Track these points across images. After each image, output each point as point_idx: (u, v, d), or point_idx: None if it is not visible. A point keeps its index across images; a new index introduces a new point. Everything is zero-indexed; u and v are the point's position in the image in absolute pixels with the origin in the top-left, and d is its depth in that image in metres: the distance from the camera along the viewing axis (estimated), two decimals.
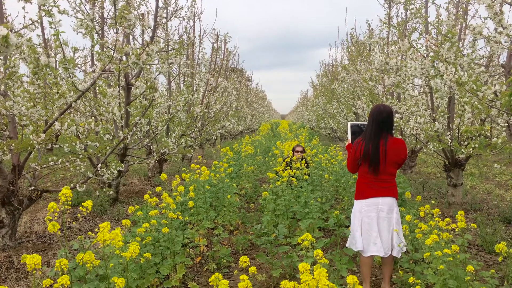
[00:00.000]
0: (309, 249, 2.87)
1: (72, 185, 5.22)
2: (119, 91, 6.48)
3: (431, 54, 5.69)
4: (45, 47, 6.61)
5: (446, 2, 6.44)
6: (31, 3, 4.61)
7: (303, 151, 7.87)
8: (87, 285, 2.77)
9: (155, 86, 6.00)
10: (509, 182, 9.99)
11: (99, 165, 5.72)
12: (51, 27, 4.45)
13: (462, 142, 6.48)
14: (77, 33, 5.61)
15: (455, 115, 6.52)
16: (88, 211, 2.79)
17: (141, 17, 6.05)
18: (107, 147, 5.75)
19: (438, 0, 13.75)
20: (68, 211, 2.78)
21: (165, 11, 7.69)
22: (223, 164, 7.60)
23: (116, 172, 5.95)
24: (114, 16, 5.84)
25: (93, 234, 3.04)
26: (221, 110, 14.01)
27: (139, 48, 5.53)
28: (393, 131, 3.94)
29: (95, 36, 5.91)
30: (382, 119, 3.66)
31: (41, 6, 4.37)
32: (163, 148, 7.98)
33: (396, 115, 7.37)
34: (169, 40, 8.52)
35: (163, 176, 5.25)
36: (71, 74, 4.86)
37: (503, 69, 5.60)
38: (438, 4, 6.16)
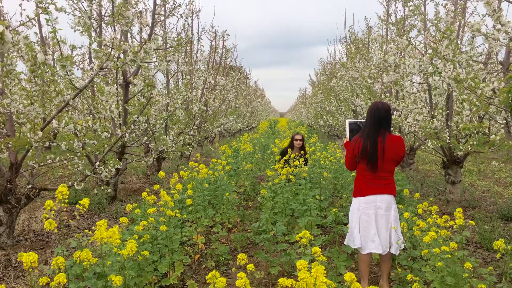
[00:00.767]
0: (307, 246, 2.87)
1: (70, 183, 5.21)
2: (117, 88, 6.46)
3: (430, 51, 5.68)
4: (43, 45, 6.57)
5: None
6: (28, 1, 4.60)
7: (302, 139, 7.94)
8: (85, 283, 2.77)
9: (153, 84, 5.98)
10: (507, 179, 10.00)
11: (97, 163, 5.71)
12: (48, 25, 4.43)
13: (460, 140, 6.48)
14: (74, 31, 5.60)
15: (453, 112, 6.52)
16: (85, 209, 2.78)
17: (139, 15, 6.03)
18: (105, 145, 5.74)
19: None
20: (66, 209, 2.77)
21: (163, 8, 7.66)
22: (221, 162, 7.59)
23: (114, 170, 5.94)
24: (112, 13, 5.82)
25: (91, 232, 3.03)
26: (220, 108, 14.00)
27: (137, 46, 5.51)
28: (392, 129, 3.94)
29: (93, 34, 5.89)
30: (380, 116, 3.66)
31: (38, 4, 4.35)
32: (162, 146, 7.97)
33: (395, 112, 7.37)
34: (167, 37, 8.50)
35: (161, 174, 5.24)
36: (68, 72, 4.84)
37: (501, 66, 5.60)
38: (436, 1, 6.14)
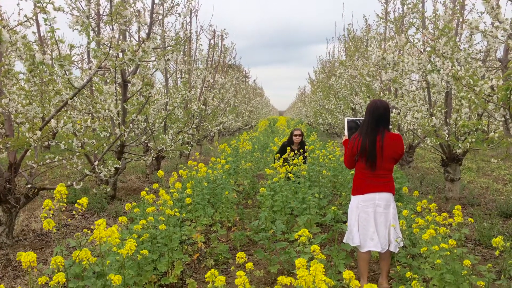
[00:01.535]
0: (306, 244, 2.87)
1: (69, 182, 5.21)
2: (115, 88, 6.45)
3: (428, 49, 5.68)
4: (41, 44, 6.56)
5: None
6: (26, 0, 4.59)
7: (302, 135, 7.96)
8: (84, 283, 2.77)
9: (151, 83, 5.97)
10: (506, 176, 10.01)
11: (96, 163, 5.71)
12: (46, 24, 4.43)
13: (459, 137, 6.49)
14: (73, 30, 5.58)
15: (452, 110, 6.52)
16: (84, 208, 2.78)
17: (137, 14, 6.02)
18: (104, 144, 5.73)
19: None
20: (65, 208, 2.77)
21: (161, 7, 7.65)
22: (220, 160, 7.59)
23: (113, 169, 5.94)
24: (110, 12, 5.81)
25: (90, 232, 3.04)
26: (219, 106, 13.99)
27: (135, 45, 5.51)
28: (391, 127, 3.94)
29: (91, 33, 5.88)
30: (379, 114, 3.66)
31: (36, 3, 4.35)
32: (161, 145, 7.96)
33: (394, 110, 7.37)
34: (166, 36, 8.49)
35: (160, 173, 5.24)
36: (67, 71, 4.84)
37: (500, 63, 5.60)
38: None
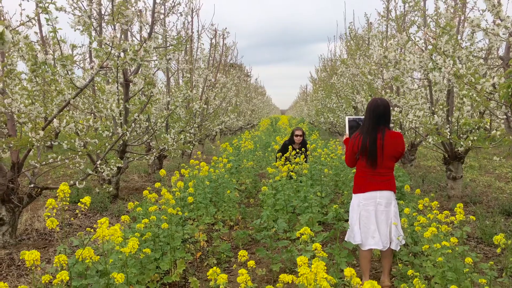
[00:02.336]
0: (308, 243, 2.88)
1: (72, 182, 5.23)
2: (117, 87, 6.47)
3: (430, 47, 5.67)
4: (43, 44, 6.58)
5: None
6: (28, 0, 4.61)
7: (303, 134, 7.94)
8: (87, 281, 2.79)
9: (153, 83, 5.99)
10: (508, 174, 10.00)
11: (99, 162, 5.73)
12: (48, 24, 4.44)
13: (461, 135, 6.48)
14: (75, 30, 5.60)
15: (454, 108, 6.52)
16: (87, 208, 2.80)
17: (138, 13, 6.03)
18: (106, 144, 5.75)
19: None
20: (67, 208, 2.79)
21: (162, 7, 7.67)
22: (222, 159, 7.60)
23: (116, 168, 5.96)
24: (112, 12, 5.83)
25: (93, 231, 3.05)
26: (220, 105, 14.00)
27: (137, 45, 5.52)
28: (392, 125, 3.95)
29: (93, 33, 5.90)
30: (379, 112, 3.66)
31: (38, 3, 4.36)
32: (163, 144, 7.98)
33: (396, 108, 7.36)
34: (167, 36, 8.50)
35: (162, 172, 5.25)
36: (69, 71, 4.86)
37: (501, 61, 5.59)
38: None
